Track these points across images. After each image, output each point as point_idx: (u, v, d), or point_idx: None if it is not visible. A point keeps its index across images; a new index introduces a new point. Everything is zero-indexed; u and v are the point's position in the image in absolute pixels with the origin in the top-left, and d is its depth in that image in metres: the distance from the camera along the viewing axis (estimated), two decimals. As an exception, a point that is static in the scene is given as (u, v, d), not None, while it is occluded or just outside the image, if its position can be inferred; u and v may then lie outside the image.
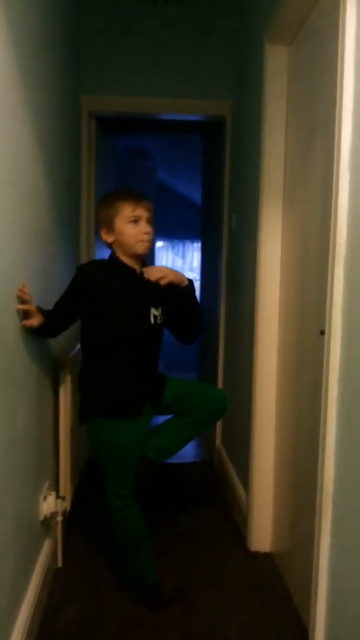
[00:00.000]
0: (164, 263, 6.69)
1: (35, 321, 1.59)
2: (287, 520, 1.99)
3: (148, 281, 1.75)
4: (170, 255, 6.95)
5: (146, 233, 1.74)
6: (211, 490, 2.85)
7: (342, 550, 1.33)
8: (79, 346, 2.31)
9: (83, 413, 1.83)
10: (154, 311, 1.81)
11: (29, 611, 1.57)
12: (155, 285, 1.75)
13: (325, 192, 1.58)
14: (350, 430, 1.30)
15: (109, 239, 1.78)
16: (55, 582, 1.97)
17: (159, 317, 1.83)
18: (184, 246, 7.18)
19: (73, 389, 2.14)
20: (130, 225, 1.73)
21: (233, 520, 2.48)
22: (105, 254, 1.87)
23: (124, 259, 1.79)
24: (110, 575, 2.01)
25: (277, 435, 2.14)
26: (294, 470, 1.92)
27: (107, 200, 1.79)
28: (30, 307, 1.54)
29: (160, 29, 2.90)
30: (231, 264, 2.86)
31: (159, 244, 6.70)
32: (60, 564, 2.07)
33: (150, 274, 1.75)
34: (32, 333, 1.63)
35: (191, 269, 7.32)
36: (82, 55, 2.83)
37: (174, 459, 3.18)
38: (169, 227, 6.30)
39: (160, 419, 1.95)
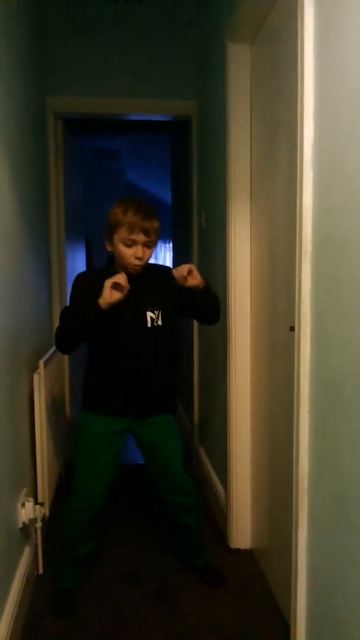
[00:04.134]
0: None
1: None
2: (266, 516, 2.01)
3: (143, 284, 1.78)
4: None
5: (138, 258, 1.73)
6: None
7: (320, 544, 1.35)
8: (52, 350, 2.29)
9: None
10: (150, 314, 1.81)
11: (10, 619, 1.55)
12: (150, 287, 1.80)
13: (290, 189, 1.60)
14: (322, 425, 1.32)
15: (109, 248, 1.79)
16: (36, 589, 1.95)
17: (155, 320, 1.82)
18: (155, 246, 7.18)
19: (47, 395, 2.12)
20: (125, 247, 1.73)
21: (213, 518, 2.48)
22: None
23: (119, 269, 1.78)
24: (90, 580, 2.00)
25: (253, 433, 2.16)
26: (270, 467, 1.93)
27: (115, 211, 1.74)
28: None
29: (123, 28, 2.89)
30: (202, 263, 2.87)
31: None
32: (41, 571, 2.05)
33: (179, 269, 1.73)
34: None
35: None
36: (46, 56, 2.80)
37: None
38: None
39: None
